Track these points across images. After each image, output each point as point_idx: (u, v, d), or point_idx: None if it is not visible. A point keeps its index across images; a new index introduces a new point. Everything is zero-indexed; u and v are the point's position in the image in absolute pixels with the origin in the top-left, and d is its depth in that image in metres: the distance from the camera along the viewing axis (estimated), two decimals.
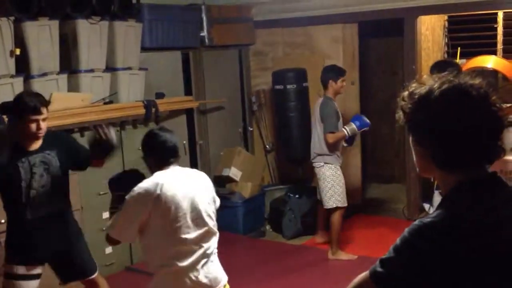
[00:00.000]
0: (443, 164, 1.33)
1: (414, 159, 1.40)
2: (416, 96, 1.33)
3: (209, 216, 2.63)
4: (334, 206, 4.73)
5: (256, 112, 6.30)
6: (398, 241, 1.29)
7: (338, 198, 4.74)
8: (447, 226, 1.25)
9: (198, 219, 2.57)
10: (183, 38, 5.31)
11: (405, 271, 1.26)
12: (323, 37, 5.93)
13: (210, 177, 6.24)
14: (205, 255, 2.60)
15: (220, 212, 2.88)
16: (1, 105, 3.87)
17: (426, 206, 5.74)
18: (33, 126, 2.94)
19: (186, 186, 2.59)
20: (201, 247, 2.58)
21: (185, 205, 2.53)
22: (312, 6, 5.81)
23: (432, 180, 4.94)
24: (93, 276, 3.32)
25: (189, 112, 5.58)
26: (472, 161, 1.31)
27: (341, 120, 4.80)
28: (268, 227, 5.75)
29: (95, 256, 3.33)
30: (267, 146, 6.31)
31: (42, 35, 4.15)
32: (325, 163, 4.74)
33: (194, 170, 2.90)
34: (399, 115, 1.37)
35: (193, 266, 2.56)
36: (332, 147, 4.72)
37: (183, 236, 2.53)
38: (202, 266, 2.58)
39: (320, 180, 4.79)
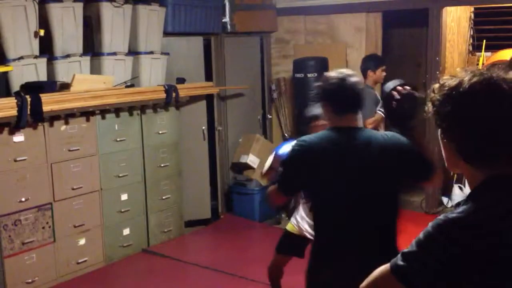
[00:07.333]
0: (469, 159, 1.30)
1: (442, 152, 1.38)
2: (446, 88, 1.30)
3: None
4: None
5: (276, 100, 6.28)
6: (421, 235, 1.27)
7: None
8: (469, 223, 1.22)
9: None
10: (205, 23, 5.29)
11: (427, 266, 1.24)
12: (345, 26, 5.86)
13: (227, 163, 6.16)
14: None
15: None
16: (24, 85, 3.92)
17: (445, 199, 5.70)
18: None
19: None
20: None
21: None
22: None
23: (451, 174, 4.90)
24: None
25: (209, 98, 5.58)
26: (500, 157, 1.27)
27: (380, 105, 4.56)
28: (283, 215, 5.75)
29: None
30: (286, 135, 6.29)
31: (66, 17, 4.17)
32: None
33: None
34: (428, 107, 1.36)
35: None
36: None
37: None
38: None
39: None
